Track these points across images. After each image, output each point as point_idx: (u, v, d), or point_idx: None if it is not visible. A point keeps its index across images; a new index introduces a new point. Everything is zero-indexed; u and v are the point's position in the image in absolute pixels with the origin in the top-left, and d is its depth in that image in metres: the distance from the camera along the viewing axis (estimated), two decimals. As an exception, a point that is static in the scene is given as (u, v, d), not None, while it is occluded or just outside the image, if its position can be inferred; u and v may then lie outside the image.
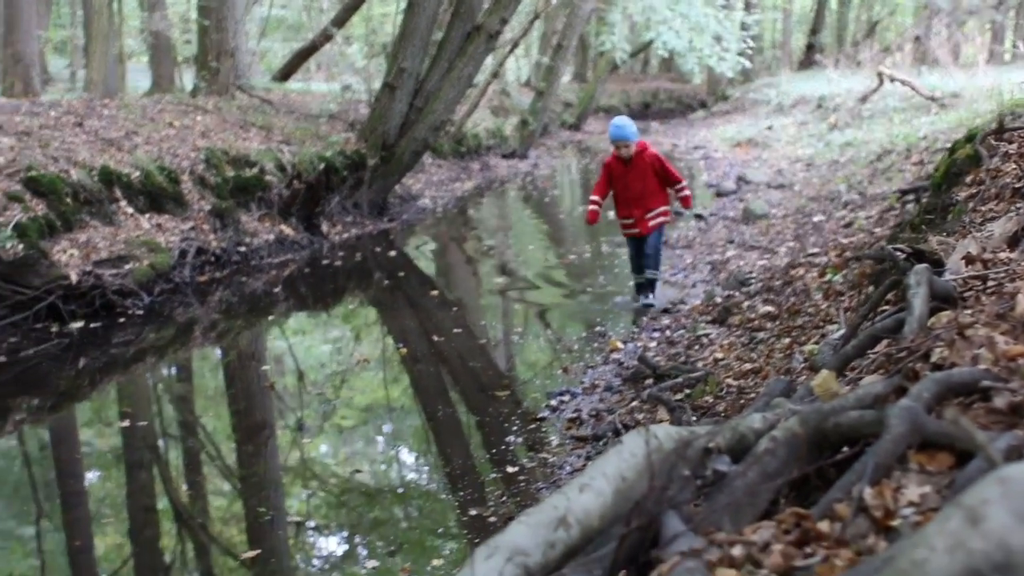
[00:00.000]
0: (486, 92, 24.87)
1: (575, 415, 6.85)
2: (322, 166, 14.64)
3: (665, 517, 2.61)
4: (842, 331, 5.75)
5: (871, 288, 6.34)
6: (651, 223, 9.93)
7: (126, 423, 7.25)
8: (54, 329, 9.47)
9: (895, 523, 2.46)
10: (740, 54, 24.14)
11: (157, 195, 12.22)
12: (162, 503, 5.94)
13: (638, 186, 9.83)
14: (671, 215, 10.34)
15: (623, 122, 9.95)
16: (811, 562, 2.33)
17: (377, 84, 18.26)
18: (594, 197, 9.99)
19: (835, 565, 2.32)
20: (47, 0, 32.77)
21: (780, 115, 28.56)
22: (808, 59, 40.84)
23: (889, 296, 5.30)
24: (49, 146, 11.73)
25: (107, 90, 20.79)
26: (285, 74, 26.24)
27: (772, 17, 49.16)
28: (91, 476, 6.43)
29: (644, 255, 9.99)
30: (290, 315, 10.78)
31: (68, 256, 10.15)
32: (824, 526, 2.55)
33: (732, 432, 3.20)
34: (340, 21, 25.01)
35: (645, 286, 10.06)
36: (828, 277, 7.88)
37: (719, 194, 17.87)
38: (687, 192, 9.98)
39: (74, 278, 9.84)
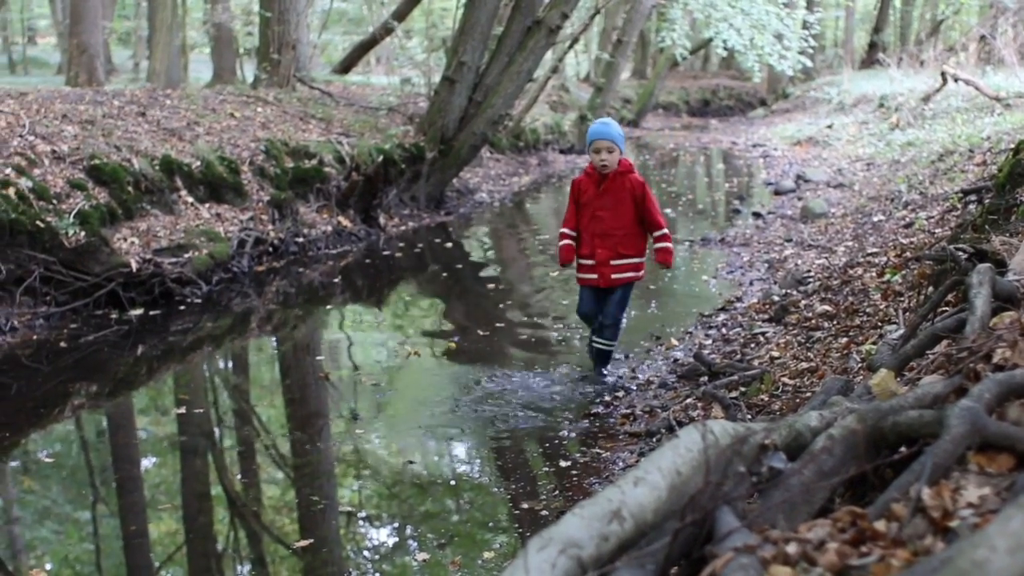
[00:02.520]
0: (545, 87, 24.83)
1: (629, 411, 6.83)
2: (380, 159, 14.69)
3: (719, 513, 2.59)
4: (900, 331, 5.69)
5: (931, 288, 6.27)
6: (616, 275, 7.46)
7: (182, 410, 7.32)
8: (114, 316, 9.58)
9: (953, 524, 2.43)
10: (801, 52, 23.92)
11: (217, 185, 12.32)
12: (216, 490, 5.98)
13: (610, 218, 7.40)
14: (643, 271, 7.70)
15: (608, 120, 7.72)
16: (867, 561, 2.30)
17: (436, 78, 18.30)
18: (565, 230, 7.63)
19: (891, 565, 2.29)
20: (112, -9, 33.10)
21: (841, 114, 28.30)
22: (870, 58, 40.43)
23: (949, 297, 5.24)
24: (112, 135, 11.86)
25: (170, 80, 21.01)
26: (345, 67, 26.38)
27: (834, 15, 48.75)
28: (147, 462, 6.49)
29: (602, 317, 7.61)
30: (346, 306, 10.82)
31: (129, 244, 10.26)
32: (880, 526, 2.52)
33: (788, 429, 3.17)
34: (401, 15, 25.10)
35: (599, 355, 7.77)
36: (887, 277, 7.81)
37: (777, 192, 17.74)
38: (669, 244, 7.50)
39: (134, 266, 9.94)
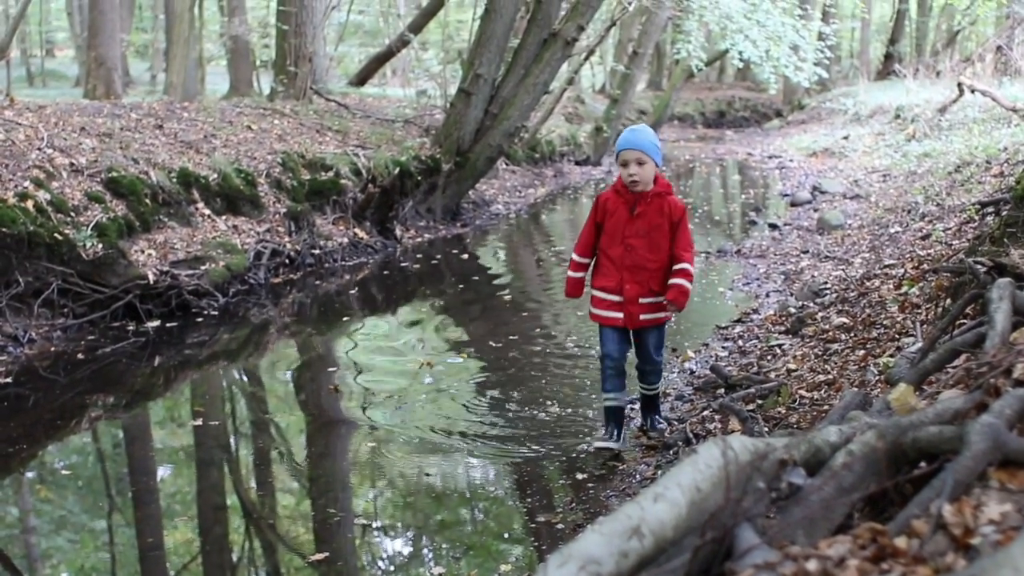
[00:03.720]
0: (561, 99, 24.85)
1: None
2: (397, 171, 14.71)
3: (739, 529, 2.59)
4: (918, 344, 5.67)
5: (949, 301, 6.25)
6: (646, 316, 6.26)
7: (199, 422, 7.33)
8: (131, 328, 9.61)
9: (975, 541, 2.42)
10: (817, 64, 23.89)
11: (234, 197, 12.35)
12: (232, 502, 5.99)
13: (644, 248, 6.17)
14: (669, 313, 6.42)
15: (640, 127, 6.35)
16: (887, 579, 2.29)
17: (452, 90, 18.33)
18: (577, 258, 6.42)
19: (912, 582, 2.28)
20: (130, 4, 33.29)
21: (857, 125, 28.25)
22: (886, 69, 40.35)
23: (968, 310, 5.22)
24: (129, 148, 11.90)
25: (186, 93, 21.08)
26: (361, 79, 26.44)
27: (850, 26, 48.64)
28: (163, 473, 6.50)
29: (640, 363, 6.51)
30: (362, 318, 10.83)
31: (146, 256, 10.29)
32: (901, 542, 2.50)
33: (808, 445, 3.16)
34: (417, 27, 25.15)
35: (614, 414, 6.42)
36: (904, 289, 7.78)
37: (794, 204, 17.71)
38: (687, 283, 6.19)
39: (151, 278, 9.97)
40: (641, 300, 6.21)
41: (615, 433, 6.33)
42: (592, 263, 6.43)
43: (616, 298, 6.25)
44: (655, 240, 6.18)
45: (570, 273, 6.47)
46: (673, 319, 6.65)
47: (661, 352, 6.55)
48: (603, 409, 6.52)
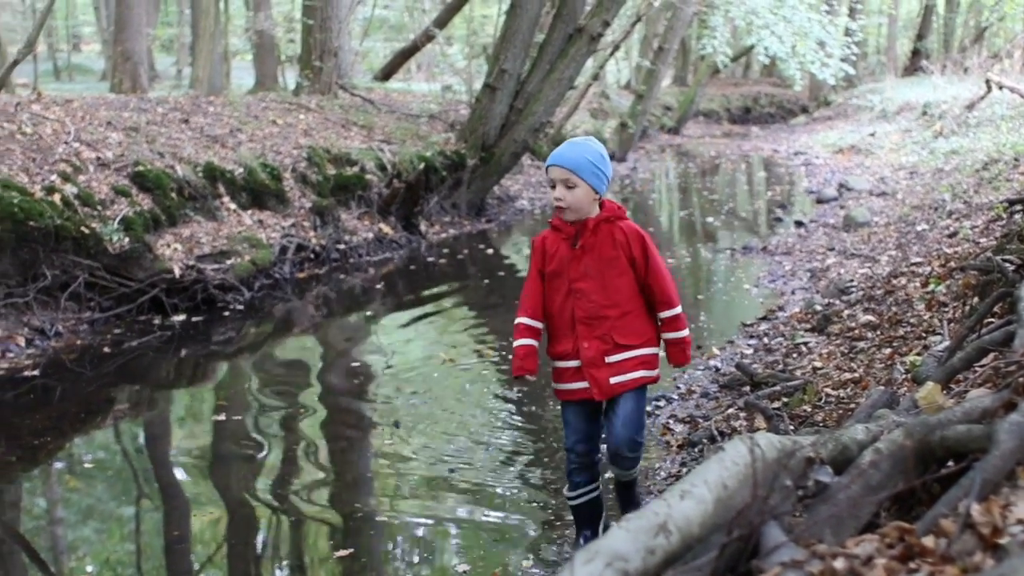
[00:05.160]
0: (586, 94, 24.82)
1: (670, 420, 6.80)
2: (422, 166, 14.73)
3: (766, 527, 2.58)
4: (945, 343, 5.65)
5: (976, 299, 6.22)
6: (617, 378, 4.74)
7: (223, 416, 7.35)
8: (157, 322, 9.66)
9: (1003, 541, 2.40)
10: (843, 60, 23.79)
11: (259, 192, 12.39)
12: (256, 496, 5.99)
13: (595, 291, 4.73)
14: (658, 368, 4.91)
15: (579, 140, 4.84)
16: (916, 578, 2.28)
17: (478, 85, 18.34)
18: (524, 320, 4.83)
19: (940, 582, 2.27)
20: (156, -1, 33.40)
21: (883, 122, 28.13)
22: (913, 65, 40.13)
23: (996, 308, 5.19)
24: (156, 142, 11.95)
25: (212, 87, 21.15)
26: (387, 74, 26.46)
27: (877, 22, 48.41)
28: (188, 466, 6.52)
29: (613, 446, 4.84)
30: (387, 313, 10.84)
31: (172, 250, 10.33)
32: (929, 542, 2.49)
33: (835, 443, 3.15)
34: (442, 22, 25.15)
35: (586, 511, 4.96)
36: (931, 287, 7.74)
37: (820, 201, 17.65)
38: (686, 333, 4.88)
39: (177, 272, 10.01)
40: (608, 359, 4.72)
41: (591, 535, 4.90)
42: (542, 322, 4.89)
43: (574, 363, 4.77)
44: (610, 279, 4.71)
45: (517, 341, 4.80)
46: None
47: (641, 431, 4.88)
48: (571, 509, 5.06)
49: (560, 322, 4.80)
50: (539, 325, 4.84)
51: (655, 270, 4.76)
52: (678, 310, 4.84)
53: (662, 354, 4.89)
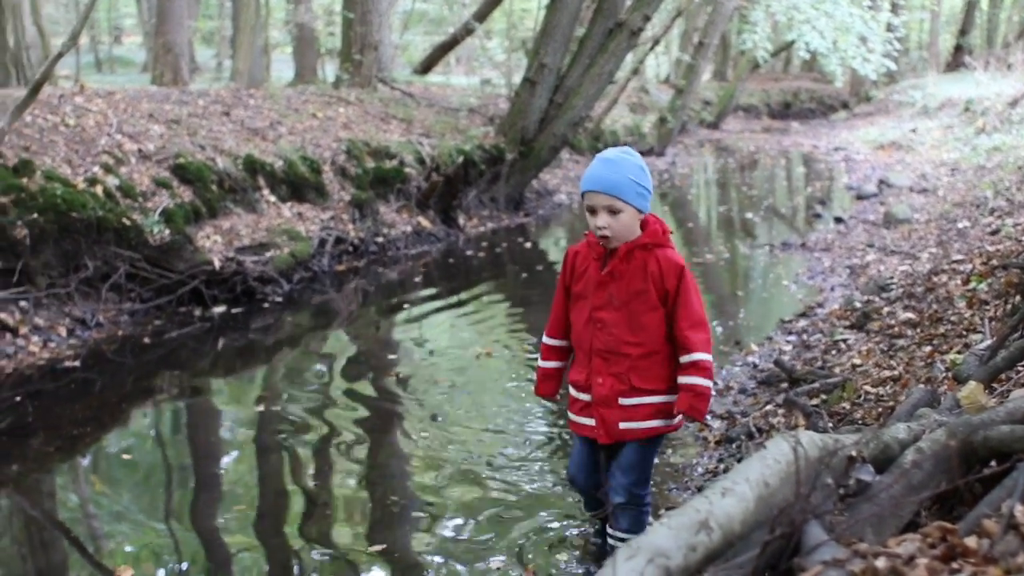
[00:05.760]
0: (625, 89, 24.78)
1: (707, 416, 6.77)
2: (460, 159, 14.74)
3: (807, 526, 2.57)
4: (987, 341, 5.60)
5: (1018, 298, 6.17)
6: (627, 424, 4.37)
7: (261, 407, 7.39)
8: (197, 313, 9.72)
9: (1047, 543, 2.39)
10: (885, 55, 23.64)
11: (299, 184, 12.44)
12: (292, 489, 6.01)
13: (617, 324, 4.32)
14: (679, 418, 4.41)
15: (615, 157, 4.31)
16: (958, 579, 2.27)
17: (517, 79, 18.33)
18: (548, 340, 4.68)
19: (983, 584, 2.25)
20: (197, -9, 33.56)
21: (925, 118, 27.94)
22: (956, 61, 39.85)
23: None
24: (197, 134, 12.02)
25: (252, 80, 21.25)
26: (426, 67, 26.51)
27: (919, 17, 48.08)
28: (225, 459, 6.55)
29: (610, 490, 4.46)
30: (424, 306, 10.85)
31: (212, 242, 10.39)
32: (971, 542, 2.48)
33: (877, 442, 3.13)
34: (481, 15, 25.14)
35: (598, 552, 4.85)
36: (972, 285, 7.67)
37: (859, 197, 17.55)
38: (705, 382, 4.26)
39: (217, 264, 10.06)
40: (622, 401, 4.32)
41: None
42: (566, 342, 4.63)
43: (586, 398, 4.42)
44: (636, 313, 4.29)
45: (540, 363, 4.71)
46: (679, 420, 4.45)
47: (644, 486, 4.48)
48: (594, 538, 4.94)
49: (579, 349, 4.47)
50: (562, 343, 4.61)
51: (686, 307, 4.25)
52: (701, 355, 4.24)
53: None
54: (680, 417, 4.37)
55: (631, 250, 4.26)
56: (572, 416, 4.56)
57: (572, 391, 4.51)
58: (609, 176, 4.18)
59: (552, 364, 4.65)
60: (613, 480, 4.41)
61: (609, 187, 4.17)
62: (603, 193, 4.18)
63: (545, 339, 4.65)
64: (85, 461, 6.54)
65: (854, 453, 2.95)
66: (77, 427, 7.01)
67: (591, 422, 4.41)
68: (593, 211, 4.24)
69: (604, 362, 4.32)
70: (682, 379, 4.26)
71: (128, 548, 5.24)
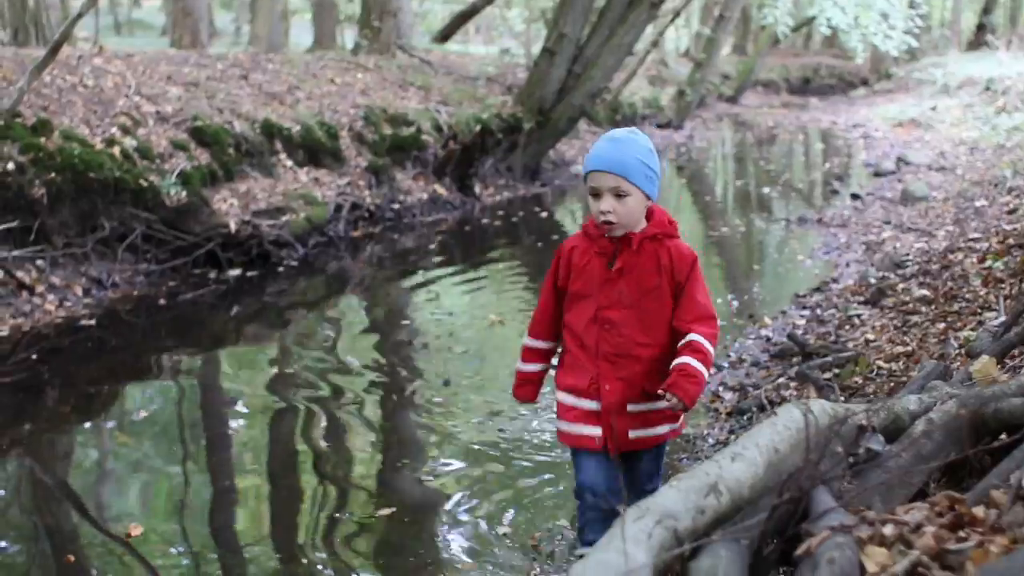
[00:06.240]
0: (644, 61, 24.70)
1: (719, 388, 6.79)
2: (478, 128, 14.72)
3: (815, 492, 2.58)
4: (1001, 318, 5.60)
5: (1034, 276, 6.16)
6: (638, 433, 4.01)
7: (275, 370, 7.43)
8: (212, 276, 9.75)
9: (1055, 513, 2.40)
10: (907, 32, 23.53)
11: (316, 150, 12.45)
12: (303, 451, 6.04)
13: (629, 323, 3.94)
14: (684, 419, 4.23)
15: (623, 136, 3.99)
16: (965, 546, 2.28)
17: (536, 49, 18.30)
18: (530, 342, 4.30)
19: (989, 551, 2.26)
20: (218, -45, 33.48)
21: (945, 96, 27.79)
22: (978, 40, 39.60)
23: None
24: (215, 97, 12.03)
25: (271, 45, 21.22)
26: (445, 36, 26.46)
27: (942, -5, 47.83)
28: (237, 421, 6.58)
29: (634, 495, 4.05)
30: (439, 273, 10.87)
31: (228, 205, 10.41)
32: (979, 511, 2.48)
33: (887, 412, 3.14)
34: (502, -15, 25.04)
35: None
36: (989, 263, 7.65)
37: (877, 174, 17.46)
38: (700, 366, 3.78)
39: (233, 227, 10.08)
40: (630, 408, 3.95)
41: None
42: (553, 344, 4.26)
43: (590, 405, 3.98)
44: (649, 311, 3.92)
45: (520, 365, 4.31)
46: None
47: (658, 482, 4.15)
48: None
49: (578, 352, 4.01)
50: (547, 347, 4.24)
51: (692, 297, 3.89)
52: (700, 339, 3.82)
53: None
54: (683, 420, 4.13)
55: (642, 242, 3.88)
56: (565, 427, 4.06)
57: (569, 398, 4.03)
58: (616, 156, 3.83)
59: (534, 367, 4.26)
60: (634, 493, 4.04)
61: (616, 167, 3.80)
62: (609, 173, 3.81)
63: (528, 340, 4.25)
64: (99, 419, 6.58)
65: (864, 422, 2.96)
66: (92, 385, 7.06)
67: (595, 432, 3.96)
68: (597, 194, 3.87)
69: (612, 366, 3.92)
70: (680, 359, 3.78)
71: (140, 505, 5.29)
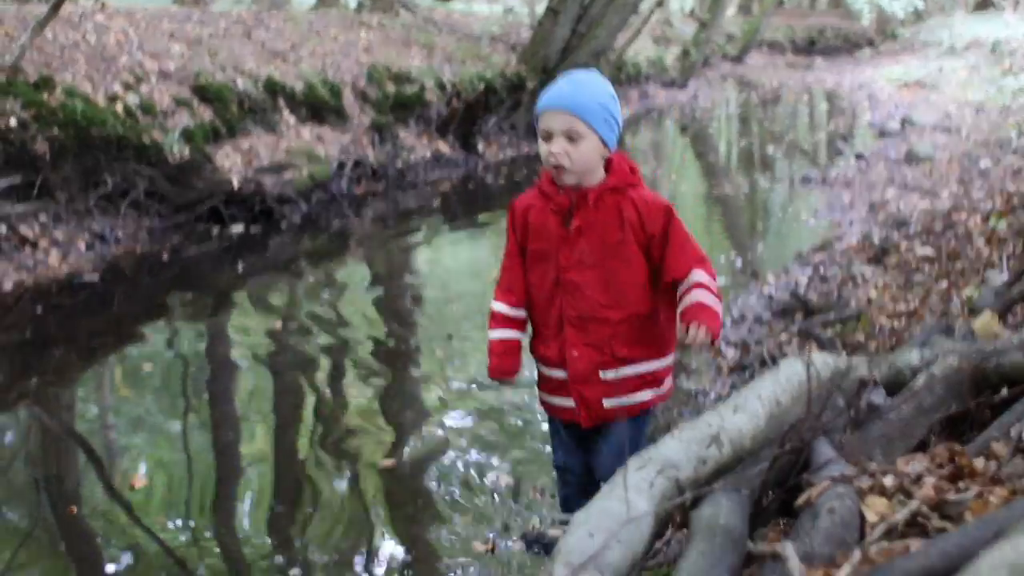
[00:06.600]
0: (649, 20, 24.57)
1: (721, 344, 6.79)
2: (481, 86, 14.69)
3: (816, 443, 2.59)
4: (1004, 277, 5.61)
5: (1038, 235, 6.16)
6: (612, 401, 3.65)
7: (277, 325, 7.44)
8: (215, 232, 9.75)
9: (1054, 465, 2.41)
10: (913, -7, 23.41)
11: (319, 107, 12.41)
12: (306, 405, 6.07)
13: (592, 284, 3.56)
14: (668, 384, 3.78)
15: (585, 76, 3.54)
16: (964, 497, 2.28)
17: (540, 8, 18.20)
18: (498, 307, 3.77)
19: (989, 502, 2.27)
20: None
21: (951, 57, 27.69)
22: (985, 1, 39.41)
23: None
24: (218, 55, 11.98)
25: (274, 2, 21.13)
26: (449, -6, 26.33)
27: (950, -45, 47.50)
28: (241, 373, 6.59)
29: (597, 472, 3.75)
30: (442, 230, 10.88)
31: (231, 162, 10.39)
32: (979, 463, 2.50)
33: (889, 366, 3.15)
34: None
35: None
36: (992, 223, 7.66)
37: (882, 134, 17.42)
38: (713, 299, 3.41)
39: (236, 183, 10.08)
40: (603, 375, 3.59)
41: None
42: (522, 307, 3.76)
43: (560, 374, 3.68)
44: (614, 271, 3.52)
45: (491, 332, 3.78)
46: (668, 388, 3.78)
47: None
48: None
49: (545, 318, 3.67)
50: (520, 314, 3.74)
51: (678, 246, 3.47)
52: (703, 277, 3.44)
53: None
54: (669, 384, 3.74)
55: (601, 195, 3.47)
56: (545, 396, 3.81)
57: (542, 368, 3.76)
58: (573, 94, 3.39)
59: (509, 334, 3.74)
60: (602, 466, 3.67)
61: (571, 105, 3.37)
62: (563, 112, 3.37)
63: (497, 305, 3.73)
64: (103, 373, 6.60)
65: (866, 376, 2.96)
66: (96, 340, 7.08)
67: (570, 403, 3.67)
68: (548, 136, 3.42)
69: (579, 331, 3.56)
70: (686, 299, 3.40)
71: (143, 458, 5.31)
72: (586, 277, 3.50)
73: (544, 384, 3.78)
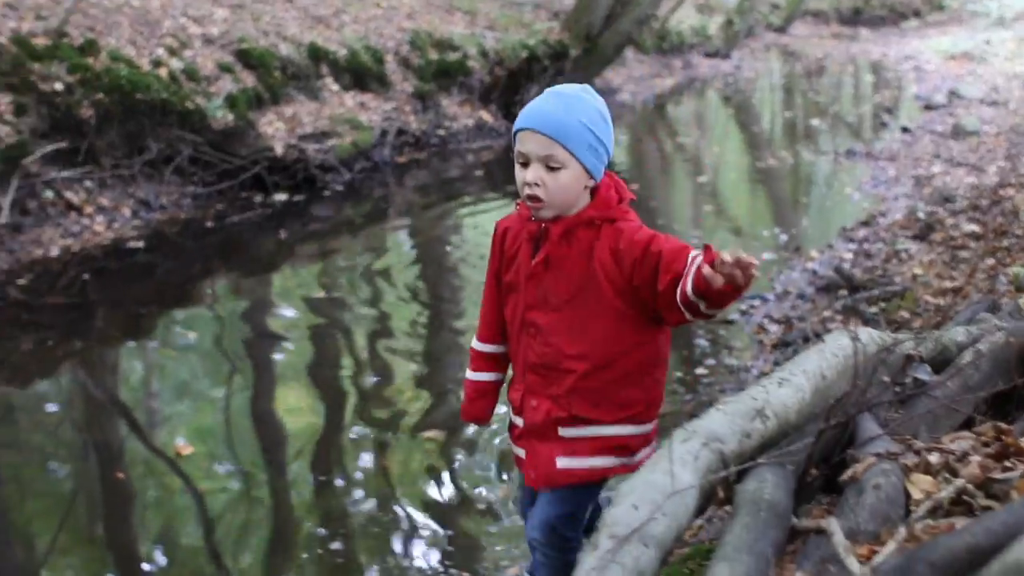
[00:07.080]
0: (693, -11, 24.43)
1: (764, 320, 6.78)
2: (524, 54, 14.62)
3: (861, 419, 2.58)
4: (1052, 254, 5.55)
5: (1087, 211, 6.10)
6: (566, 463, 2.95)
7: (320, 293, 7.48)
8: (258, 199, 9.78)
9: (1103, 444, 2.39)
10: (962, -38, 23.11)
11: (362, 74, 12.40)
12: (348, 374, 6.11)
13: (556, 327, 2.91)
14: (641, 454, 2.94)
15: (571, 91, 2.90)
16: (1010, 476, 2.28)
17: (584, -25, 18.09)
18: (476, 345, 3.25)
19: (1036, 481, 2.26)
20: None
21: (1000, 28, 27.38)
22: (1035, -29, 38.87)
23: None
24: (260, 20, 11.99)
25: (318, -32, 21.08)
26: (492, -39, 26.20)
27: (999, -76, 46.85)
28: (283, 342, 6.63)
29: (534, 526, 3.07)
30: (484, 199, 10.87)
31: (274, 129, 10.41)
32: (1026, 442, 2.49)
33: (935, 342, 3.13)
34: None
35: None
36: (1041, 198, 7.59)
37: (928, 107, 17.24)
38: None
39: (279, 150, 10.09)
40: (562, 432, 2.97)
41: None
42: (500, 347, 3.22)
43: (517, 421, 3.13)
44: (582, 315, 2.91)
45: (468, 374, 3.30)
46: (641, 457, 2.96)
47: (575, 523, 3.05)
48: None
49: (515, 359, 3.12)
50: (498, 350, 3.21)
51: (658, 245, 2.78)
52: (690, 262, 2.64)
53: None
54: (645, 454, 2.96)
55: (571, 229, 2.88)
56: (512, 444, 3.20)
57: (511, 412, 3.16)
58: (555, 114, 2.81)
59: (484, 376, 3.25)
60: (534, 519, 3.09)
61: (551, 128, 2.79)
62: (542, 135, 2.79)
63: (474, 343, 3.27)
64: (148, 339, 6.66)
65: (912, 352, 2.95)
66: (141, 306, 7.14)
67: (520, 454, 3.12)
68: (525, 161, 2.83)
69: (540, 379, 2.99)
70: (694, 255, 2.64)
71: (187, 425, 5.36)
72: (550, 319, 2.93)
73: (510, 429, 3.19)
